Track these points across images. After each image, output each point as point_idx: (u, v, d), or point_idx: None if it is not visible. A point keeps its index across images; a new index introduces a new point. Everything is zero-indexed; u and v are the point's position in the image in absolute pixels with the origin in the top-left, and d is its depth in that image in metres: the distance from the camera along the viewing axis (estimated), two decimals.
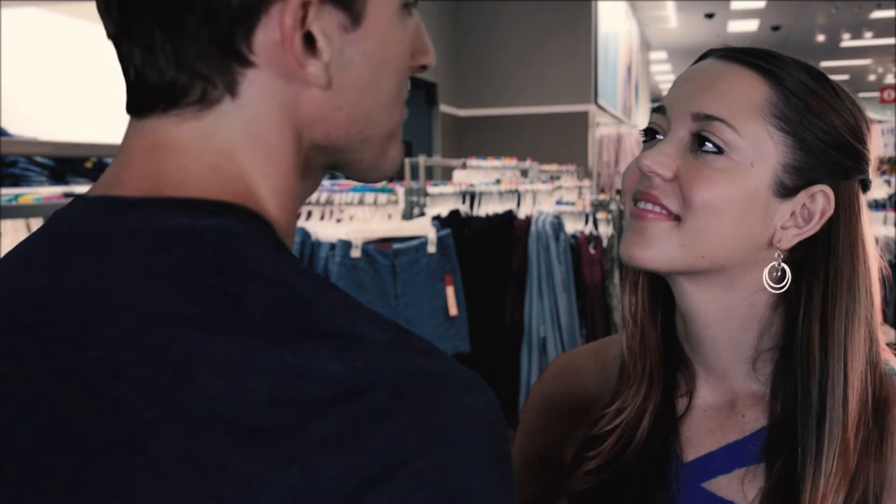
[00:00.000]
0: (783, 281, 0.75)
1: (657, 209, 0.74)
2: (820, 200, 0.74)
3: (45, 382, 0.42)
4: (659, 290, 0.83)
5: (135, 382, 0.40)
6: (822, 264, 0.75)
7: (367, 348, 0.41)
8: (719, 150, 0.72)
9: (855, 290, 0.74)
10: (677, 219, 0.73)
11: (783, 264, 0.75)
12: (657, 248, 0.73)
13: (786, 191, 0.74)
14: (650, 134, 0.79)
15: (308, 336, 0.41)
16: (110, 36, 0.48)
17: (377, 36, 0.50)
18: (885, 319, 3.47)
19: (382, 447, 0.38)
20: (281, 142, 0.48)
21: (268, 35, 0.46)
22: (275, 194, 0.48)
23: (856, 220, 0.75)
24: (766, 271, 0.75)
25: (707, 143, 0.73)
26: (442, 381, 0.41)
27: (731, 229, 0.73)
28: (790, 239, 0.75)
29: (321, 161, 0.52)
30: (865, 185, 0.78)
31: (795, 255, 0.76)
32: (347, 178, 0.56)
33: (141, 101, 0.48)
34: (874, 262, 0.77)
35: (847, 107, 0.75)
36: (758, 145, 0.73)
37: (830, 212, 0.74)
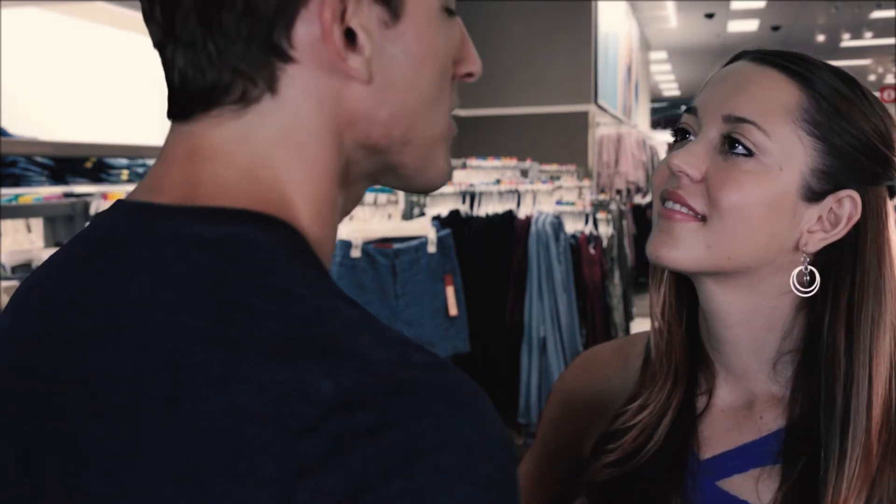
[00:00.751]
0: (811, 285, 0.75)
1: (684, 210, 0.74)
2: (847, 205, 0.74)
3: (61, 386, 0.43)
4: (685, 288, 0.83)
5: (143, 395, 0.40)
6: (848, 269, 0.75)
7: (361, 367, 0.40)
8: (749, 153, 0.73)
9: (881, 295, 0.74)
10: (703, 219, 0.74)
11: (811, 267, 0.75)
12: (684, 249, 0.74)
13: (813, 195, 0.74)
14: (681, 134, 0.79)
15: (306, 352, 0.40)
16: (156, 43, 0.49)
17: (417, 33, 0.49)
18: None
19: (359, 470, 0.37)
20: (319, 144, 0.48)
21: (307, 29, 0.46)
22: (309, 201, 0.48)
23: (883, 226, 0.76)
24: (793, 275, 0.75)
25: (737, 146, 0.73)
26: (431, 398, 0.40)
27: (758, 232, 0.73)
28: (816, 243, 0.75)
29: (364, 168, 0.52)
30: (893, 191, 0.78)
31: (820, 259, 0.76)
32: (393, 188, 0.55)
33: (183, 105, 0.48)
34: None
35: (877, 112, 0.76)
36: (787, 149, 0.73)
37: (857, 217, 0.74)
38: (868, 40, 13.28)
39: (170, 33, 0.47)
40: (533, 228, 3.33)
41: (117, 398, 0.41)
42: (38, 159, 2.85)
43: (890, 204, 0.77)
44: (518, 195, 3.56)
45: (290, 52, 0.46)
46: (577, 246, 3.51)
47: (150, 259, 0.44)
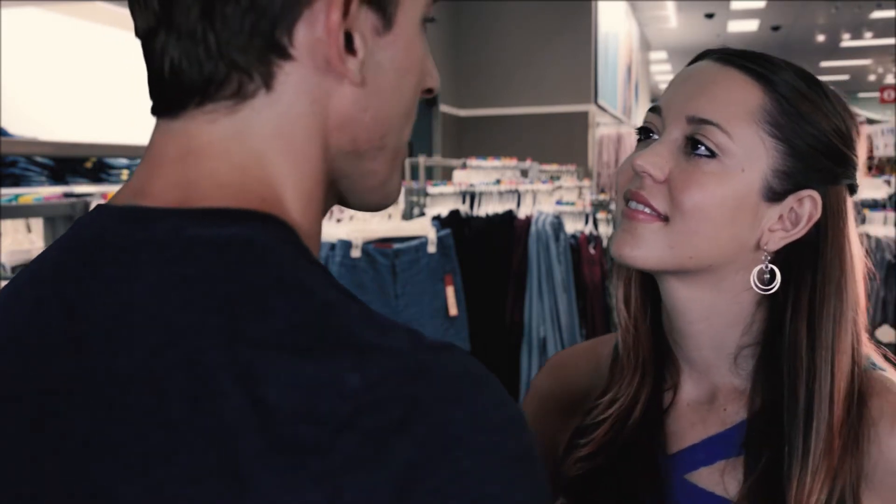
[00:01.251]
0: (771, 283, 0.77)
1: (647, 210, 0.75)
2: (807, 205, 0.76)
3: (77, 394, 0.42)
4: (649, 284, 0.84)
5: (167, 395, 0.40)
6: (809, 267, 0.76)
7: (383, 358, 0.41)
8: (712, 154, 0.74)
9: (843, 292, 0.75)
10: (666, 219, 0.75)
11: (772, 266, 0.77)
12: (646, 248, 0.75)
13: (774, 195, 0.75)
14: (645, 133, 0.80)
15: (329, 347, 0.41)
16: (143, 30, 0.48)
17: (404, 44, 0.51)
18: (885, 319, 3.48)
19: (399, 464, 0.38)
20: (310, 143, 0.49)
21: (309, 29, 0.46)
22: (300, 198, 0.49)
23: (843, 224, 0.77)
24: (754, 273, 0.77)
25: (700, 147, 0.74)
26: (455, 384, 0.41)
27: (720, 232, 0.74)
28: (777, 241, 0.76)
29: (341, 175, 0.52)
30: (853, 190, 0.79)
31: (780, 257, 0.77)
32: (351, 204, 0.56)
33: (174, 99, 0.48)
34: (860, 263, 0.78)
35: (838, 111, 0.77)
36: (749, 150, 0.74)
37: (818, 216, 0.76)
38: (868, 40, 13.28)
39: (165, 21, 0.46)
40: (533, 228, 3.33)
41: (138, 400, 0.40)
42: (38, 159, 2.85)
43: (850, 202, 0.78)
44: (518, 195, 3.56)
45: (289, 50, 0.47)
46: (577, 246, 3.51)
47: (152, 262, 0.44)
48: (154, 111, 0.50)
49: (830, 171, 0.76)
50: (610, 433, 0.82)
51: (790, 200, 0.76)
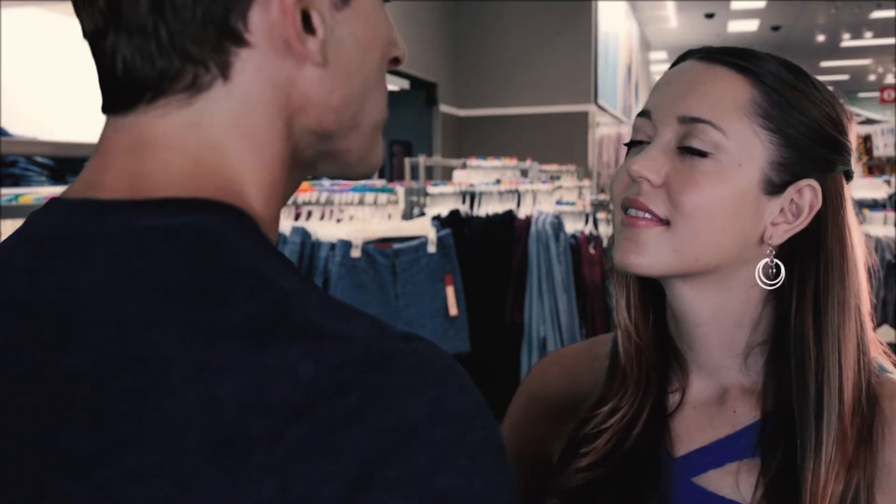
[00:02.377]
0: (776, 277, 0.76)
1: (647, 216, 0.74)
2: (807, 194, 0.75)
3: (26, 392, 0.41)
4: (650, 289, 0.83)
5: (115, 391, 0.39)
6: (812, 258, 0.76)
7: (340, 346, 0.39)
8: (707, 153, 0.73)
9: (845, 279, 0.75)
10: (667, 223, 0.74)
11: (776, 260, 0.76)
12: (651, 255, 0.74)
13: (774, 188, 0.75)
14: (637, 142, 0.79)
15: (283, 335, 0.39)
16: (91, 31, 0.47)
17: (364, 17, 0.50)
18: (885, 319, 3.46)
19: (356, 454, 0.37)
20: (270, 129, 0.47)
21: (264, 12, 0.45)
22: (261, 187, 0.47)
23: (843, 211, 0.77)
24: (759, 268, 0.76)
25: (694, 146, 0.73)
26: (415, 373, 0.40)
27: (723, 230, 0.74)
28: (781, 235, 0.76)
29: (308, 154, 0.51)
30: (849, 176, 0.79)
31: (784, 250, 0.77)
32: (332, 177, 0.54)
33: (125, 96, 0.46)
34: (861, 250, 0.78)
35: (826, 99, 0.76)
36: (744, 145, 0.73)
37: (819, 205, 0.75)
38: (868, 40, 13.28)
39: (113, 19, 0.45)
40: (533, 228, 3.33)
41: (85, 398, 0.39)
42: (38, 159, 2.85)
43: (847, 189, 0.78)
44: (518, 195, 3.56)
45: (245, 36, 0.45)
46: (577, 246, 3.51)
47: (103, 255, 0.42)
48: (104, 109, 0.48)
49: (826, 159, 0.76)
50: (611, 443, 0.80)
51: (790, 192, 0.75)
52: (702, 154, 0.73)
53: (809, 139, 0.75)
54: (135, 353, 0.39)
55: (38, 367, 0.41)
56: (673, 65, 0.81)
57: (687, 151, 0.74)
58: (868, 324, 0.77)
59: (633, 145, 0.80)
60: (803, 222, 0.75)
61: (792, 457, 0.73)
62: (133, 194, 0.45)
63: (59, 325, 0.41)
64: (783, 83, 0.75)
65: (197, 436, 0.37)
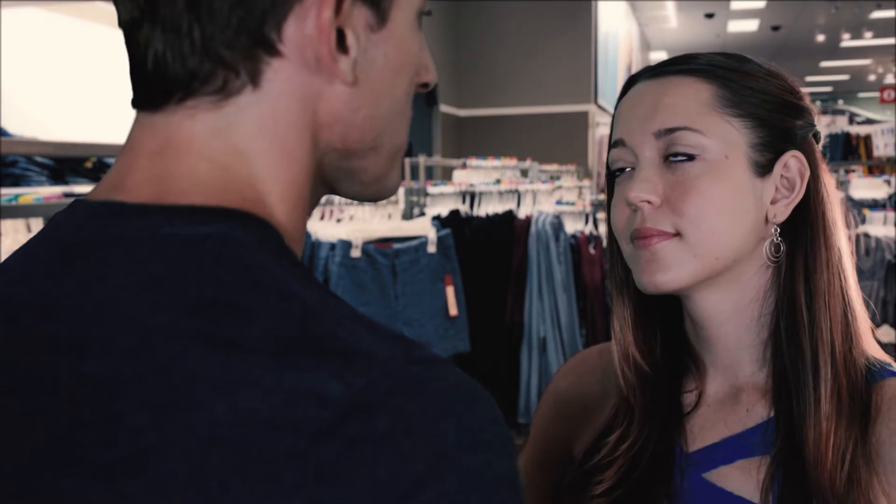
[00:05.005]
0: (779, 253, 0.78)
1: (658, 235, 0.75)
2: (793, 165, 0.78)
3: (44, 397, 0.40)
4: (650, 312, 0.85)
5: (137, 401, 0.38)
6: (801, 223, 0.78)
7: (368, 365, 0.39)
8: (694, 155, 0.75)
9: (829, 238, 0.78)
10: (678, 235, 0.75)
11: (780, 238, 0.78)
12: (676, 267, 0.75)
13: (762, 169, 0.77)
14: (618, 170, 0.81)
15: (309, 352, 0.39)
16: (126, 21, 0.46)
17: (398, 40, 0.49)
18: (886, 319, 3.47)
19: (386, 478, 0.37)
20: (297, 141, 0.47)
21: (299, 26, 0.45)
22: (285, 198, 0.47)
23: (818, 171, 0.80)
24: (766, 246, 0.78)
25: (679, 154, 0.75)
26: (444, 398, 0.39)
27: (733, 223, 0.75)
28: (784, 210, 0.78)
29: (330, 171, 0.51)
30: (817, 137, 0.82)
31: (785, 229, 0.79)
32: (345, 195, 0.54)
33: (156, 92, 0.46)
34: (839, 209, 0.80)
35: (774, 72, 0.80)
36: (724, 137, 0.76)
37: (808, 172, 0.78)
38: (868, 40, 13.28)
39: (149, 13, 0.45)
40: (533, 228, 3.33)
41: (104, 405, 0.39)
42: (38, 159, 2.85)
43: (819, 151, 0.81)
44: (518, 195, 3.56)
45: (278, 47, 0.45)
46: (577, 246, 3.51)
47: (125, 260, 0.42)
48: (135, 104, 0.48)
49: (796, 127, 0.79)
50: (623, 469, 0.81)
51: (778, 168, 0.77)
52: (689, 158, 0.75)
53: (776, 112, 0.78)
54: (157, 365, 0.39)
55: (56, 371, 0.41)
56: (622, 94, 0.83)
57: (674, 161, 0.75)
58: (852, 280, 0.79)
59: (616, 174, 0.81)
60: (800, 192, 0.78)
61: (800, 454, 0.74)
62: (157, 199, 0.44)
63: (78, 329, 0.41)
64: (733, 71, 0.78)
65: (223, 451, 0.37)
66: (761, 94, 0.77)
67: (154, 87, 0.46)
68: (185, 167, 0.45)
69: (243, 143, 0.46)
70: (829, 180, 0.81)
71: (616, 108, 0.83)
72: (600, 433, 0.85)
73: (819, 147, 0.81)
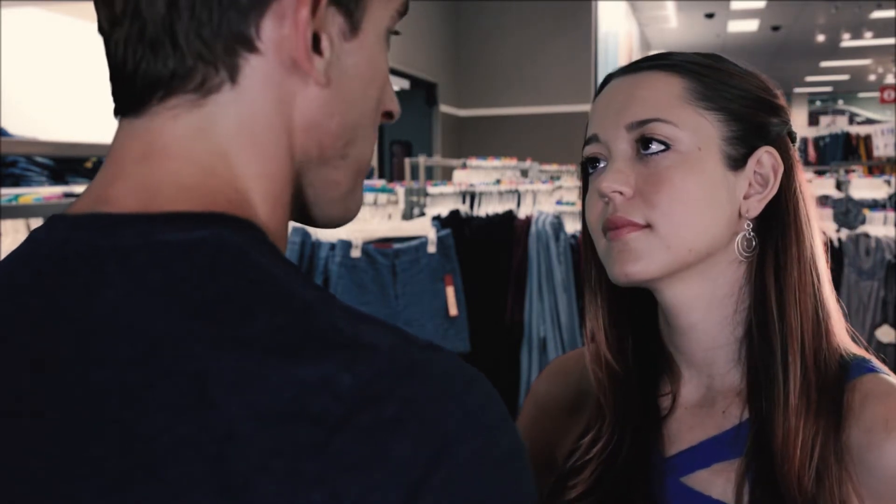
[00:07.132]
0: (752, 249, 0.79)
1: (629, 226, 0.75)
2: (767, 161, 0.78)
3: (52, 411, 0.40)
4: (623, 312, 0.84)
5: (149, 407, 0.39)
6: (774, 219, 0.78)
7: (373, 355, 0.40)
8: (666, 146, 0.75)
9: (801, 235, 0.78)
10: (649, 226, 0.75)
11: (753, 234, 0.79)
12: (647, 258, 0.75)
13: (735, 162, 0.77)
14: (592, 164, 0.81)
15: (315, 346, 0.40)
16: (106, 26, 0.47)
17: (368, 51, 0.51)
18: (885, 319, 3.47)
19: (401, 463, 0.38)
20: (275, 142, 0.48)
21: (277, 24, 0.46)
22: (266, 198, 0.48)
23: (794, 171, 0.80)
24: (738, 241, 0.78)
25: (651, 145, 0.75)
26: (447, 382, 0.41)
27: (706, 215, 0.75)
28: (756, 206, 0.78)
29: (307, 182, 0.51)
30: (793, 137, 0.82)
31: (757, 225, 0.79)
32: (316, 218, 0.54)
33: (137, 93, 0.47)
34: (814, 209, 0.81)
35: (749, 72, 0.81)
36: (696, 129, 0.76)
37: (781, 168, 0.78)
38: (868, 40, 13.27)
39: (129, 14, 0.46)
40: (533, 228, 3.33)
41: (116, 413, 0.39)
42: (38, 159, 2.85)
43: (795, 151, 0.82)
44: (518, 195, 3.56)
45: (256, 44, 0.46)
46: (578, 246, 3.51)
47: (121, 270, 0.42)
48: (116, 111, 0.49)
49: (770, 124, 0.79)
50: (598, 472, 0.81)
51: (751, 164, 0.78)
52: (662, 149, 0.75)
53: (749, 108, 0.78)
54: (166, 368, 0.39)
55: (63, 384, 0.41)
56: (598, 92, 0.84)
57: (647, 154, 0.75)
58: (826, 276, 0.80)
59: (590, 168, 0.81)
60: (773, 188, 0.78)
61: (770, 452, 0.74)
62: (144, 208, 0.45)
63: (80, 342, 0.41)
64: (707, 68, 0.79)
65: (243, 449, 0.37)
66: (735, 89, 0.78)
67: (134, 89, 0.47)
68: (169, 173, 0.46)
69: (224, 143, 0.47)
70: (803, 178, 0.81)
71: (592, 106, 0.83)
72: (579, 437, 0.85)
73: (795, 147, 0.82)
